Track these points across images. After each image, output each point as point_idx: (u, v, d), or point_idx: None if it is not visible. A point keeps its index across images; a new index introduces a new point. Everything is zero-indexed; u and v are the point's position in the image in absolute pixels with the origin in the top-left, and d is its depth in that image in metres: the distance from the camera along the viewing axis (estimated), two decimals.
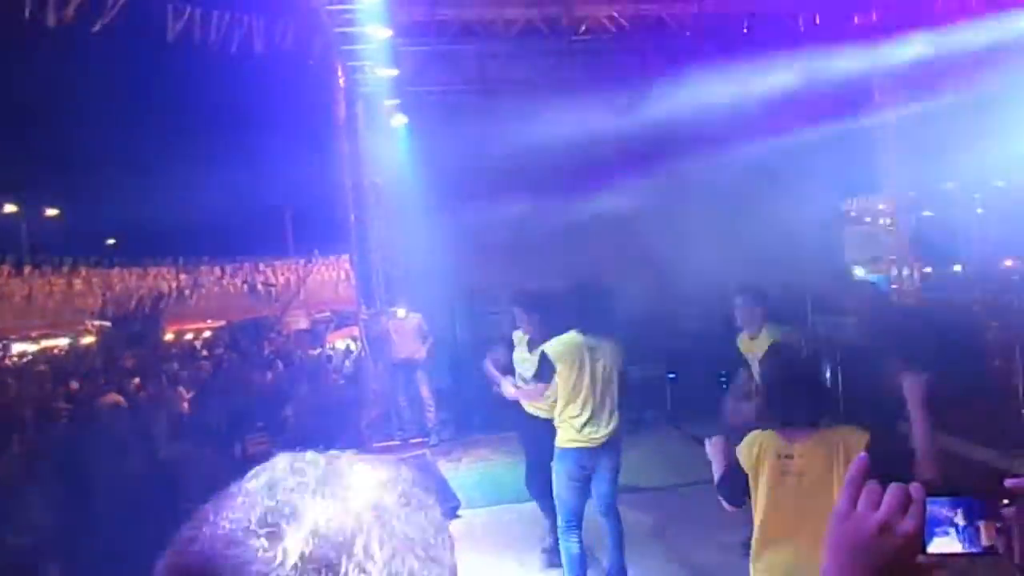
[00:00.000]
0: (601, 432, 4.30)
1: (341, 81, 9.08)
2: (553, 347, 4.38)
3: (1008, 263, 10.99)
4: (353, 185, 9.27)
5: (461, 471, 7.41)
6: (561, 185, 10.17)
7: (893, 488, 0.80)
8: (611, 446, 4.35)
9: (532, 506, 6.09)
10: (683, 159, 10.51)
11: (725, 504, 2.88)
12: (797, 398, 2.74)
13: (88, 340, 23.60)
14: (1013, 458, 4.83)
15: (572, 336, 4.38)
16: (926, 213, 17.17)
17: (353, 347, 15.47)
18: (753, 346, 4.94)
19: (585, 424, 4.29)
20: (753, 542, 2.76)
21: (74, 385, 11.87)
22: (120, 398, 9.72)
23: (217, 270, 28.06)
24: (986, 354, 6.52)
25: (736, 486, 2.79)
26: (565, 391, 4.32)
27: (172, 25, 7.91)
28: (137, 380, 11.89)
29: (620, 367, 4.41)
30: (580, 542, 4.40)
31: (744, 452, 2.78)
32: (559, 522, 4.48)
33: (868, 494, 0.81)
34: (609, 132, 10.33)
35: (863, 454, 0.87)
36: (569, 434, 4.33)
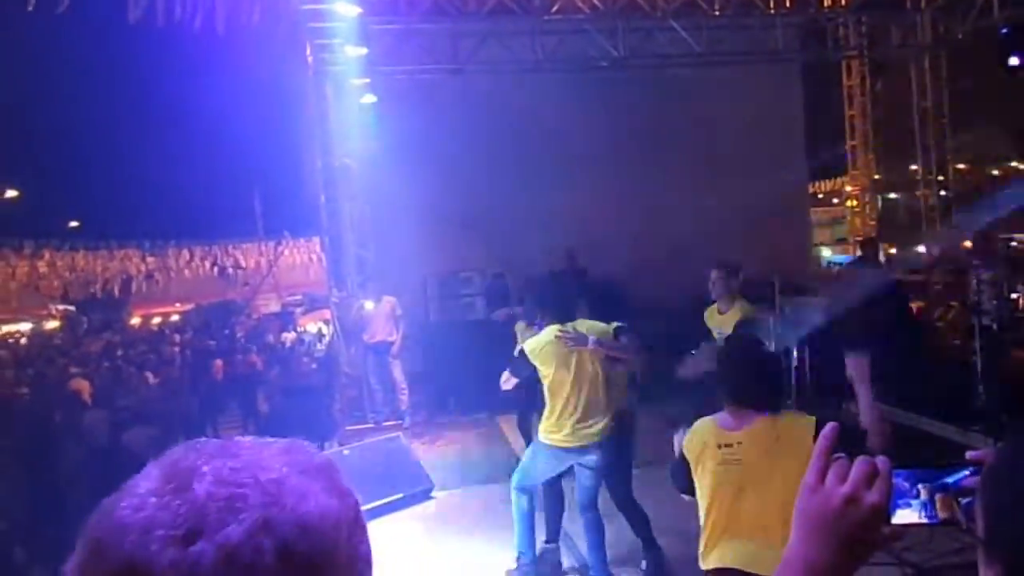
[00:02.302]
0: (580, 434, 4.20)
1: (310, 59, 8.94)
2: (531, 344, 4.31)
3: (967, 244, 11.25)
4: (323, 166, 9.16)
5: (434, 453, 7.44)
6: (534, 166, 10.17)
7: (860, 462, 0.83)
8: (595, 447, 4.23)
9: (502, 487, 6.14)
10: (652, 143, 10.58)
11: (680, 493, 2.88)
12: (751, 382, 2.73)
13: (52, 325, 23.13)
14: (968, 433, 4.98)
15: (551, 331, 4.26)
16: (891, 195, 17.49)
17: (325, 330, 15.39)
18: (722, 320, 5.03)
19: (563, 423, 4.22)
20: (702, 534, 2.74)
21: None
22: (86, 383, 9.57)
23: (185, 252, 27.59)
24: (945, 332, 6.70)
25: (682, 475, 2.81)
26: (549, 388, 4.27)
27: (134, 3, 7.71)
28: (104, 365, 11.71)
29: (603, 358, 4.25)
30: (531, 500, 4.45)
31: (687, 444, 2.78)
32: (514, 481, 4.50)
33: (836, 468, 0.84)
34: (583, 111, 10.34)
35: (833, 424, 0.90)
36: (548, 429, 4.29)
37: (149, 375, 11.18)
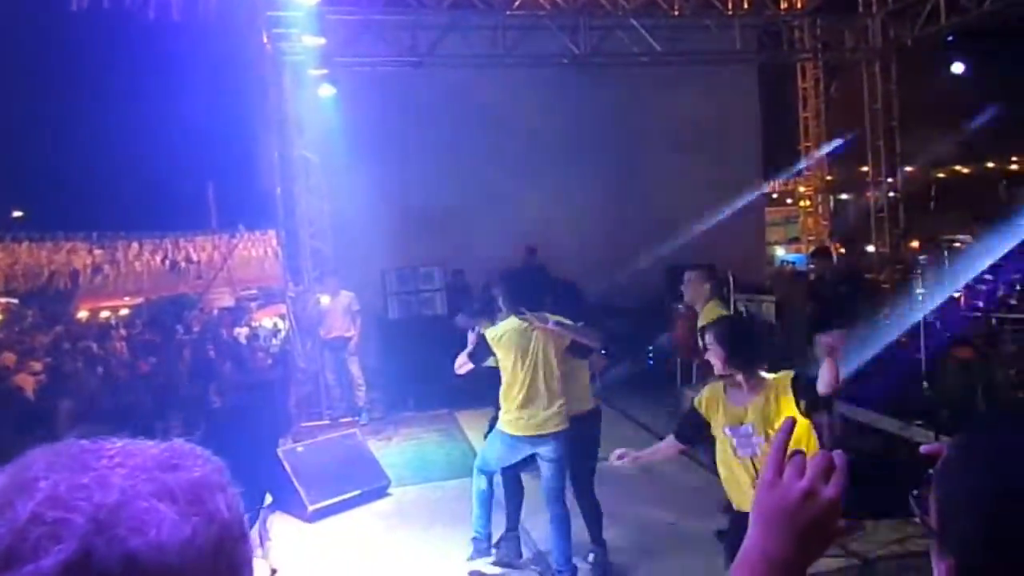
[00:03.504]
0: (533, 423, 4.27)
1: (268, 48, 8.76)
2: (492, 331, 4.38)
3: (914, 244, 11.62)
4: (280, 157, 8.99)
5: (392, 450, 7.39)
6: (494, 161, 10.15)
7: (817, 457, 0.85)
8: (550, 437, 4.29)
9: (460, 483, 6.14)
10: (611, 141, 10.66)
11: (672, 440, 3.32)
12: (754, 345, 3.12)
13: None
14: (913, 427, 5.15)
15: (512, 321, 4.35)
16: (843, 196, 17.93)
17: (281, 325, 15.14)
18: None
19: (520, 412, 4.28)
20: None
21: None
22: (30, 379, 9.26)
23: (135, 245, 26.79)
24: (893, 331, 6.89)
25: (689, 428, 3.25)
26: (504, 376, 4.34)
27: None
28: (50, 359, 11.34)
29: (561, 351, 4.34)
30: (490, 483, 4.57)
31: (702, 402, 3.18)
32: (475, 463, 4.65)
33: (793, 463, 0.85)
34: (543, 108, 10.37)
35: (789, 419, 0.91)
36: (504, 417, 4.37)
37: (99, 369, 10.87)
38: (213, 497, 0.58)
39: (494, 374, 4.52)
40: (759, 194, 13.29)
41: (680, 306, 5.50)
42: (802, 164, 13.82)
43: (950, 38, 9.58)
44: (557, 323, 4.26)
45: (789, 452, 0.87)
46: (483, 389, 5.75)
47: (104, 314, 23.53)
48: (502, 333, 4.33)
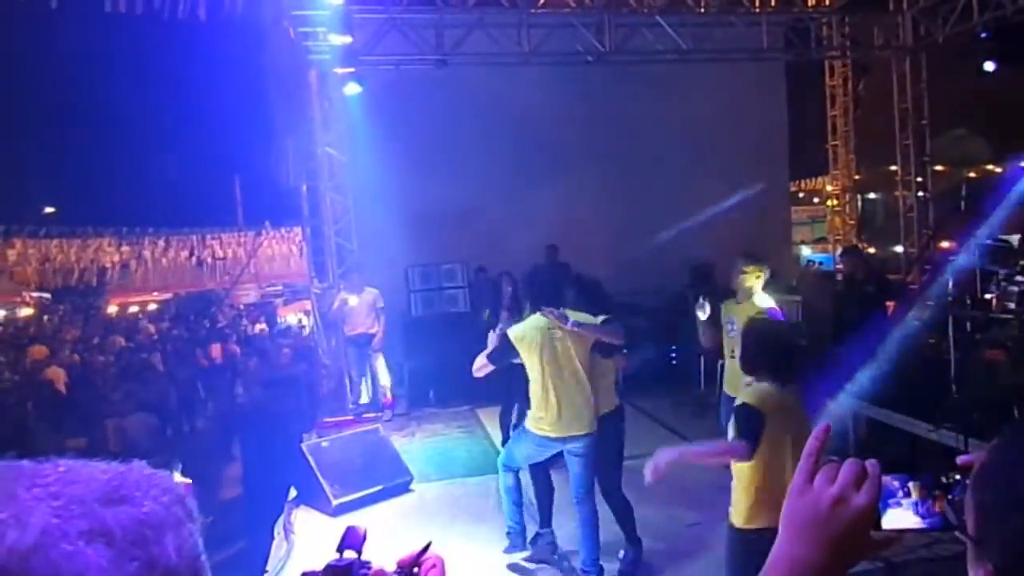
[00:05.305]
0: (563, 424, 4.21)
1: (294, 46, 8.84)
2: (514, 330, 4.35)
3: (944, 245, 11.40)
4: (306, 155, 9.08)
5: (414, 446, 7.43)
6: (518, 160, 10.15)
7: (849, 464, 0.84)
8: (581, 437, 4.24)
9: (481, 480, 6.17)
10: (636, 140, 10.60)
11: (738, 450, 2.89)
12: (785, 359, 2.98)
13: (26, 312, 22.81)
14: (942, 430, 5.06)
15: (534, 319, 4.31)
16: (871, 195, 17.67)
17: (305, 321, 15.31)
18: (741, 310, 5.00)
19: (545, 413, 4.24)
20: (750, 491, 2.93)
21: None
22: (61, 372, 9.45)
23: (162, 242, 27.21)
24: (921, 331, 6.79)
25: (757, 427, 2.87)
26: (531, 377, 4.29)
27: None
28: (81, 354, 11.55)
29: (587, 350, 4.28)
30: (516, 476, 4.55)
31: (762, 403, 2.91)
32: (499, 459, 4.63)
33: (825, 470, 0.84)
34: (567, 106, 10.35)
35: (824, 424, 0.90)
36: (533, 417, 4.33)
37: (128, 364, 11.05)
38: (160, 538, 0.50)
39: (515, 372, 4.50)
40: (785, 193, 13.15)
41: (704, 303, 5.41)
42: (830, 163, 13.63)
43: (983, 35, 9.37)
44: (578, 323, 4.20)
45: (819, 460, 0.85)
46: (503, 387, 5.76)
47: (132, 309, 23.95)
48: (524, 332, 4.29)
